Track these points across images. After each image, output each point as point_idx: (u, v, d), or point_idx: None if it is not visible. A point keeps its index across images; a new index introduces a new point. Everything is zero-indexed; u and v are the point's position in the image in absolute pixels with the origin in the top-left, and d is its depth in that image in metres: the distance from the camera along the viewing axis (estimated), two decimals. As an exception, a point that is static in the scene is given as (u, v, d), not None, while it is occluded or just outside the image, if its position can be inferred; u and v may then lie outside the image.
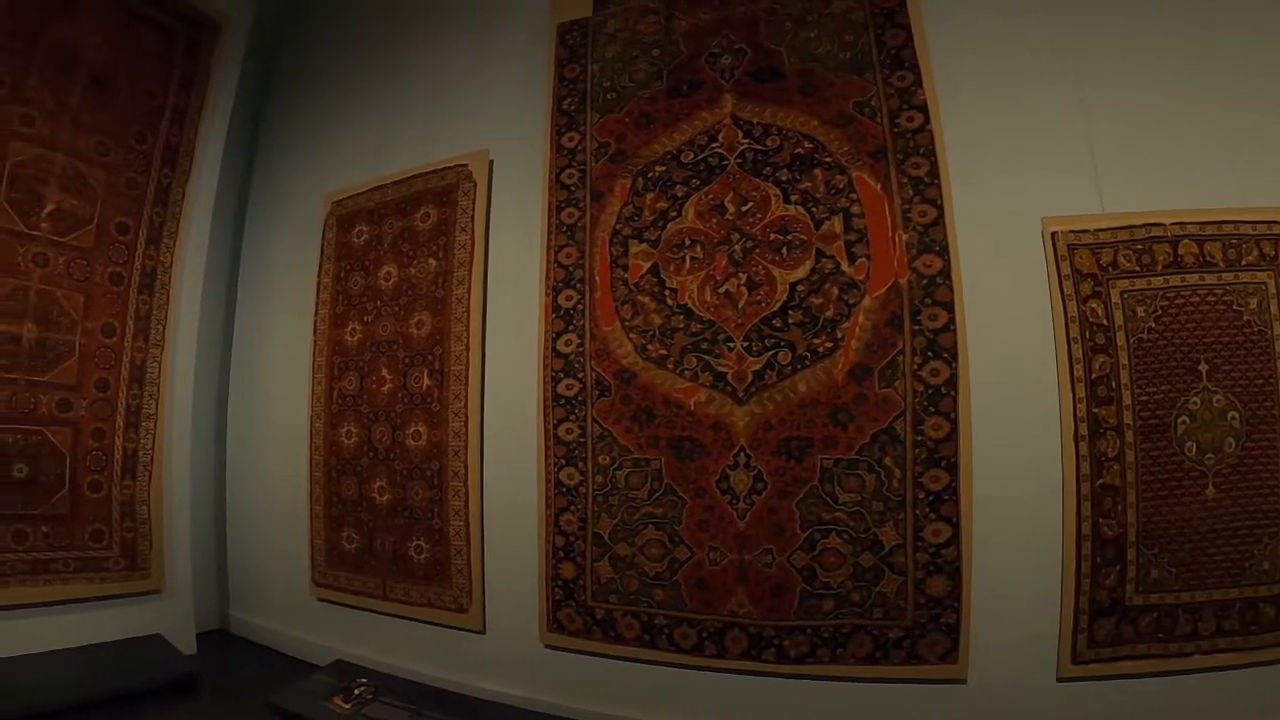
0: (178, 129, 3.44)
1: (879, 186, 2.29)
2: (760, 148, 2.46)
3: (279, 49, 4.23)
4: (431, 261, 3.11)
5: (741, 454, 2.39)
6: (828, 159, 2.37)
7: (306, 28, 4.14)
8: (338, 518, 3.25)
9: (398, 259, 3.22)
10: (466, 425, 2.92)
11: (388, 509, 3.09)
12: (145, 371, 3.30)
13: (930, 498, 2.16)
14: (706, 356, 2.47)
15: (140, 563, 3.17)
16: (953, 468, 2.14)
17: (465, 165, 3.10)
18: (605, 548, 2.56)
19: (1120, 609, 2.08)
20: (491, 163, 3.06)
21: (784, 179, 2.41)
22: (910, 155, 2.28)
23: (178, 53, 3.45)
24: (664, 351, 2.55)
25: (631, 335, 2.62)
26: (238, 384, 3.96)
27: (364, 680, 2.70)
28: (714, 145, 2.56)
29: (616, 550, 2.54)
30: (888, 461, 2.21)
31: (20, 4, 2.92)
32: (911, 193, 2.25)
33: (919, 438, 2.19)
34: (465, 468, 2.90)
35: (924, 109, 2.28)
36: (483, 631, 2.82)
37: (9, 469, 2.84)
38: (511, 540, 2.76)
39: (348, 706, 2.54)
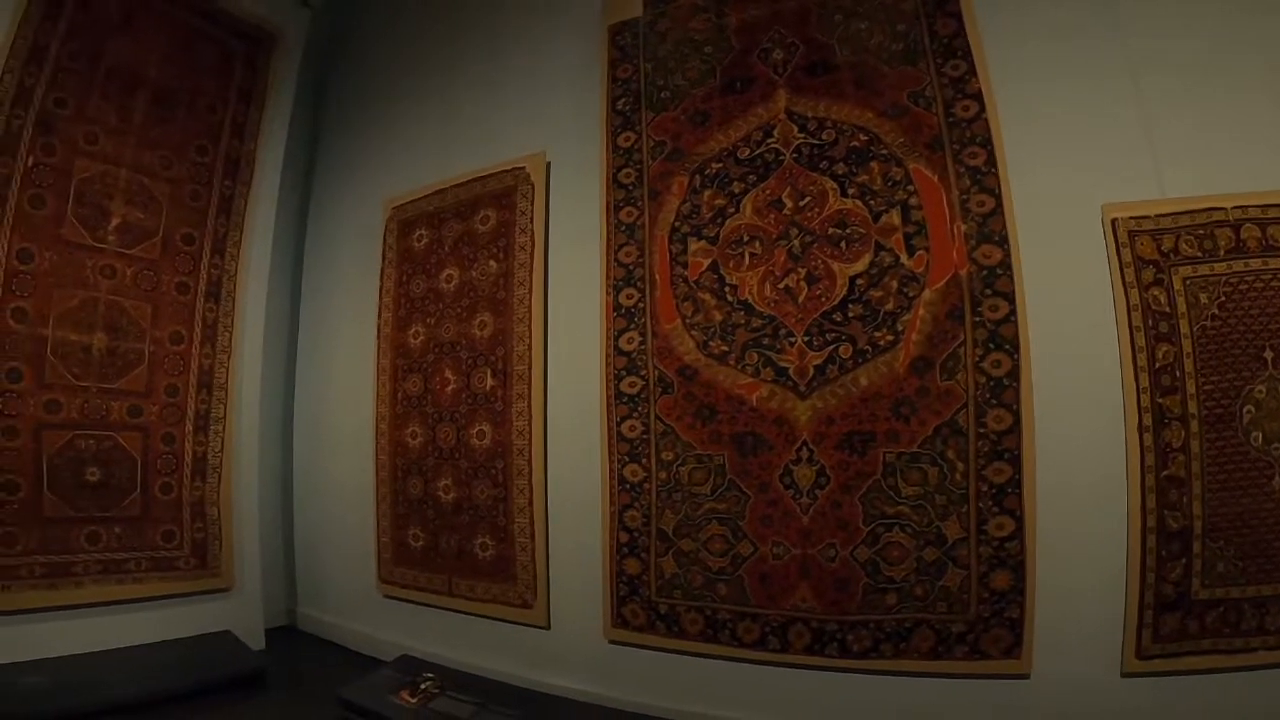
0: (238, 141, 3.72)
1: (936, 177, 2.37)
2: (816, 142, 2.56)
3: (335, 59, 4.55)
4: (492, 263, 3.32)
5: (804, 448, 2.51)
6: (884, 151, 2.45)
7: (360, 38, 4.44)
8: (403, 516, 3.49)
9: (459, 261, 3.44)
10: (530, 424, 3.11)
11: (453, 507, 3.31)
12: (213, 377, 3.58)
13: (993, 491, 2.24)
14: (768, 352, 2.59)
15: (210, 562, 3.45)
16: (1015, 460, 2.22)
17: (523, 168, 3.30)
18: (669, 543, 2.70)
19: (1186, 603, 2.11)
20: (549, 164, 3.25)
21: (840, 172, 2.51)
22: (966, 145, 2.35)
23: (236, 67, 3.73)
24: (725, 348, 2.68)
25: (693, 332, 2.76)
26: (303, 387, 4.28)
27: (430, 675, 2.88)
28: (769, 141, 2.66)
29: (680, 546, 2.68)
30: (950, 454, 2.29)
31: (81, 27, 3.19)
32: (969, 183, 2.33)
33: (981, 430, 2.27)
34: (529, 465, 3.09)
35: (979, 97, 2.36)
36: (547, 627, 3.00)
37: (82, 473, 3.12)
38: (575, 537, 2.93)
39: (414, 701, 2.72)
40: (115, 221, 3.26)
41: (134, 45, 3.34)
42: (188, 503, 3.42)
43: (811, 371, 2.52)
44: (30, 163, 3.00)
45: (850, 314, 2.48)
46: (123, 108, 3.29)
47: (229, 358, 3.62)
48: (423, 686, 2.79)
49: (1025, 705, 2.13)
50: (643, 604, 2.74)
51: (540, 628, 3.01)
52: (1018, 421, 2.22)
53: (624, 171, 3.00)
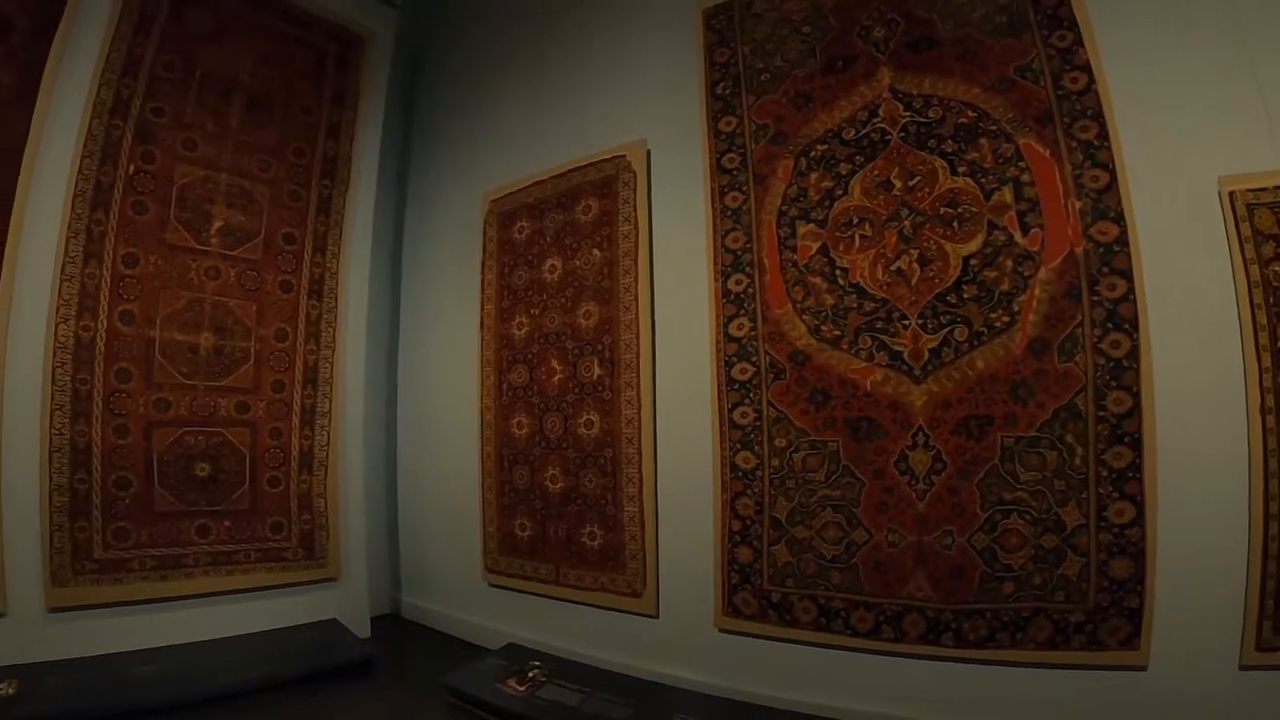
0: (334, 142, 4.23)
1: (1048, 152, 2.50)
2: (922, 120, 2.72)
3: (422, 57, 5.07)
4: (596, 252, 3.67)
5: (920, 433, 2.71)
6: (992, 127, 2.59)
7: (447, 35, 4.93)
8: (510, 506, 3.90)
9: (561, 252, 3.81)
10: (639, 412, 3.43)
11: (561, 497, 3.69)
12: (318, 372, 4.09)
13: (1113, 475, 2.32)
14: (881, 335, 2.80)
15: (318, 552, 3.95)
16: (1136, 444, 2.30)
17: (623, 156, 3.63)
18: (782, 531, 2.96)
19: (1310, 594, 2.09)
20: (649, 152, 3.57)
21: (949, 150, 2.66)
22: (1077, 118, 2.46)
23: (328, 69, 4.24)
24: (838, 332, 2.90)
25: (804, 317, 3.00)
26: (405, 380, 4.81)
27: (537, 663, 3.23)
28: (875, 120, 2.83)
29: (794, 533, 2.93)
30: (1069, 438, 2.40)
31: (173, 38, 3.67)
32: (1082, 157, 2.44)
33: (1101, 413, 2.41)
34: (639, 454, 3.41)
35: (1087, 69, 2.46)
36: (656, 616, 3.30)
37: (192, 468, 3.62)
38: (685, 525, 3.22)
39: (522, 689, 3.06)
40: (218, 224, 3.77)
41: (227, 53, 3.84)
42: (295, 495, 3.93)
43: (926, 355, 2.71)
44: (131, 170, 3.49)
45: (965, 295, 2.66)
46: (219, 114, 3.79)
47: (333, 353, 4.13)
48: (530, 674, 3.13)
49: (1141, 697, 2.23)
50: (754, 592, 3.01)
51: (649, 616, 3.32)
52: (1138, 404, 2.33)
53: (727, 156, 3.26)
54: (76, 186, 3.30)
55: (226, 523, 3.70)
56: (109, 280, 3.41)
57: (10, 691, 2.71)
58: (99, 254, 3.38)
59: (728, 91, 3.29)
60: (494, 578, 4.03)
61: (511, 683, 3.12)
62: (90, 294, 3.35)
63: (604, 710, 2.87)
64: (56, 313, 3.22)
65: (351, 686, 3.36)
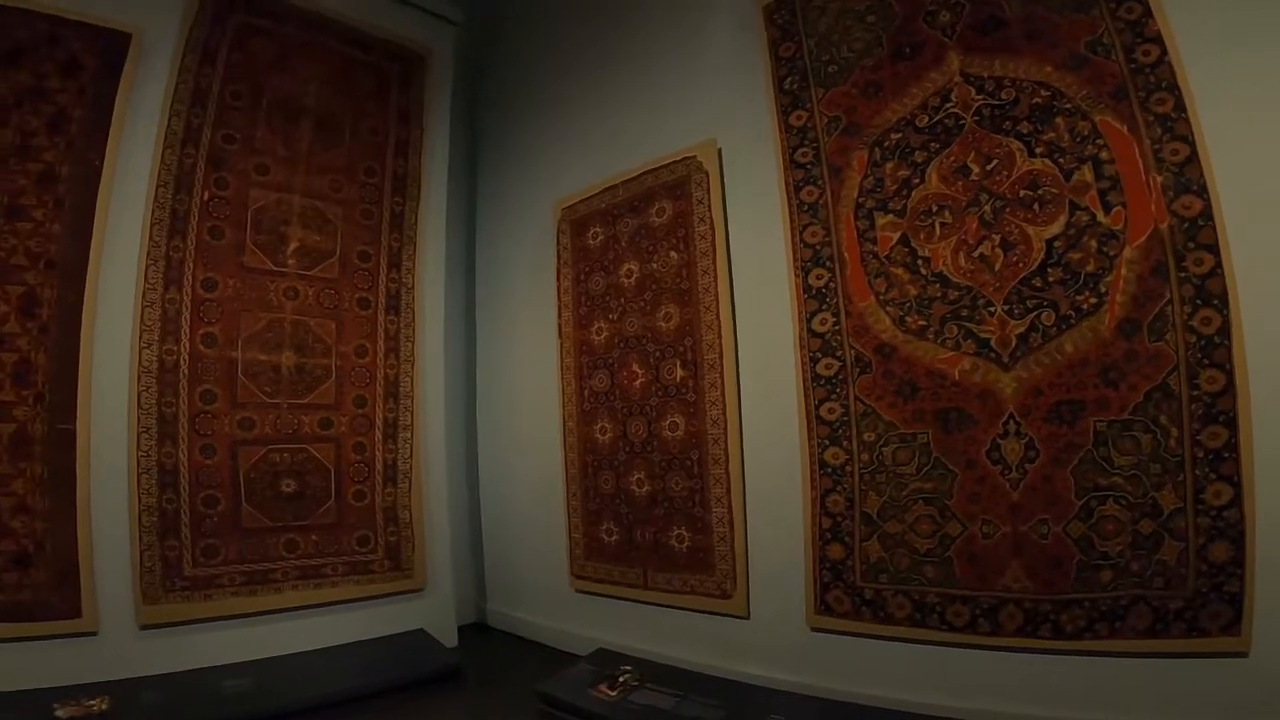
0: (402, 159, 4.54)
1: (1125, 128, 2.54)
2: (996, 102, 2.80)
3: (486, 71, 5.39)
4: (673, 254, 3.87)
5: (1011, 421, 2.80)
6: (1067, 105, 2.64)
7: (510, 47, 5.22)
8: (596, 511, 4.12)
9: (638, 255, 4.02)
10: (724, 413, 3.60)
11: (647, 500, 3.89)
12: (399, 386, 4.38)
13: (1210, 456, 2.34)
14: (967, 324, 2.89)
15: (404, 564, 4.23)
16: (1231, 423, 2.31)
17: (694, 156, 3.81)
18: (874, 526, 3.08)
19: None
20: (720, 150, 3.74)
21: (1025, 132, 2.73)
22: (1153, 91, 2.50)
23: (392, 89, 4.55)
24: (923, 322, 3.02)
25: (888, 308, 3.12)
26: (484, 390, 5.11)
27: (628, 668, 3.40)
28: (948, 105, 2.92)
29: (886, 528, 3.05)
30: (1163, 420, 2.43)
31: (238, 67, 3.98)
32: (1160, 131, 2.47)
33: (1194, 392, 2.42)
34: (725, 455, 3.58)
35: (1159, 40, 2.49)
36: (746, 617, 3.45)
37: (278, 485, 3.92)
38: (775, 524, 3.37)
39: (614, 694, 3.22)
40: (293, 245, 4.09)
41: (293, 79, 4.16)
42: (380, 508, 4.22)
43: (1014, 341, 2.79)
44: (206, 197, 3.81)
45: (1050, 278, 2.72)
46: (289, 138, 4.11)
47: (412, 366, 4.43)
48: (621, 679, 3.30)
49: (1242, 685, 2.25)
50: (847, 590, 3.14)
51: (740, 618, 3.48)
52: (1231, 381, 2.33)
53: (800, 151, 3.41)
54: (153, 215, 3.64)
55: (313, 537, 4.00)
56: (190, 304, 3.74)
57: (103, 707, 2.98)
58: (179, 279, 3.71)
59: (795, 86, 3.40)
60: (581, 584, 4.26)
61: (603, 688, 3.27)
62: (172, 318, 3.67)
63: (697, 713, 3.01)
64: (140, 338, 3.54)
65: (440, 696, 3.60)
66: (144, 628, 3.44)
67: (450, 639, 4.18)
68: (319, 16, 4.18)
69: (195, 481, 3.69)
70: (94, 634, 3.29)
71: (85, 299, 3.40)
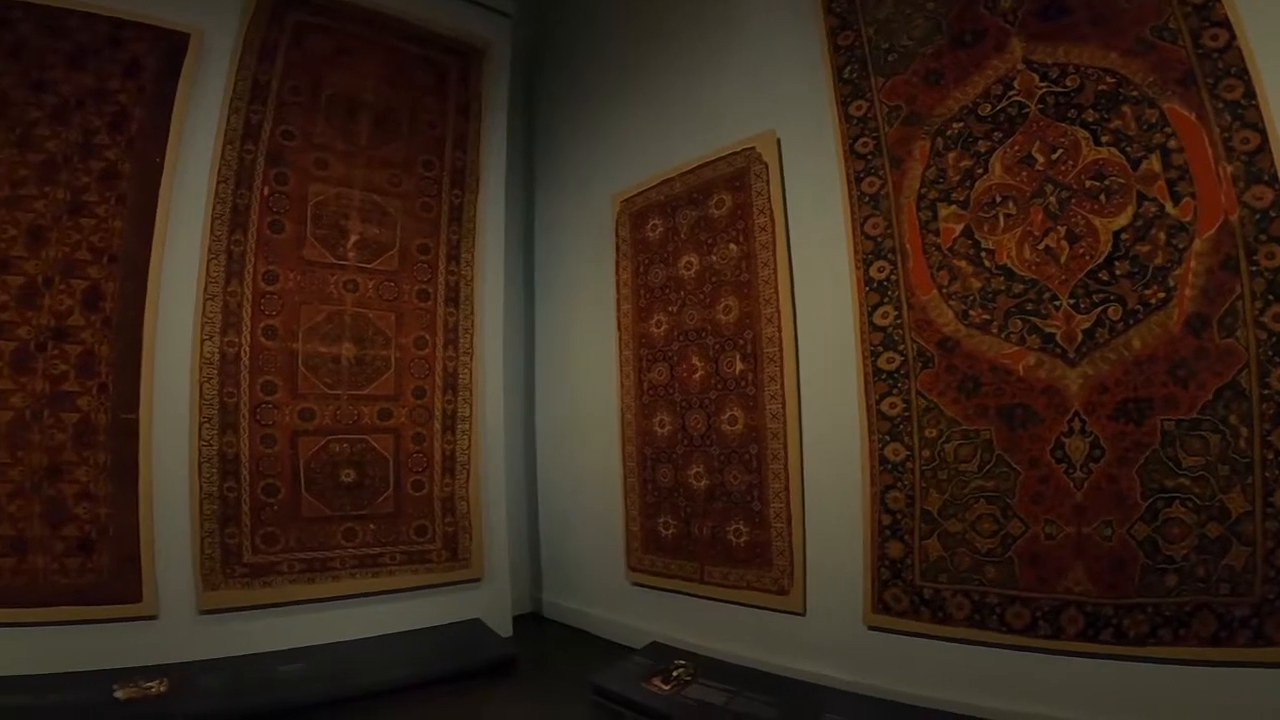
0: (460, 153, 4.68)
1: (1193, 116, 2.48)
2: (1060, 89, 2.76)
3: (543, 63, 5.52)
4: (732, 247, 3.93)
5: (1076, 419, 2.79)
6: (1133, 92, 2.60)
7: (562, 41, 5.36)
8: (653, 504, 4.21)
9: (697, 248, 4.09)
10: (784, 406, 3.65)
11: (705, 494, 3.96)
12: (457, 378, 4.53)
13: None
14: (1032, 318, 2.89)
15: (461, 554, 4.37)
16: None
17: (753, 148, 3.86)
18: (934, 525, 3.09)
19: None
20: (779, 141, 3.78)
21: (1091, 120, 2.69)
22: (1221, 78, 2.45)
23: (450, 83, 4.70)
24: (987, 316, 3.01)
25: (951, 302, 3.13)
26: (543, 383, 5.25)
27: (682, 662, 3.47)
28: (1011, 93, 2.89)
29: (946, 527, 3.06)
30: (1233, 420, 2.37)
31: (297, 64, 4.15)
32: (1230, 118, 2.42)
33: (1265, 391, 2.40)
34: (785, 449, 3.63)
35: (1226, 24, 2.44)
36: (803, 613, 3.50)
37: (338, 475, 4.08)
38: (834, 521, 3.41)
39: (667, 688, 3.29)
40: (353, 239, 4.26)
41: (350, 74, 4.34)
42: (438, 498, 4.37)
43: (1080, 336, 2.79)
44: (266, 192, 3.99)
45: (1117, 271, 2.71)
46: (348, 132, 4.28)
47: (471, 359, 4.58)
48: (675, 673, 3.37)
49: None
50: (906, 588, 3.16)
51: (796, 614, 3.53)
52: None
53: (860, 141, 3.42)
54: (214, 210, 3.83)
55: (372, 526, 4.17)
56: (251, 297, 3.93)
57: (161, 689, 3.15)
58: (240, 273, 3.90)
59: (855, 75, 3.43)
60: (637, 576, 4.35)
61: (657, 681, 3.36)
62: (233, 311, 3.85)
63: (751, 709, 3.06)
64: (201, 330, 3.74)
65: (495, 685, 3.72)
66: (203, 613, 3.63)
67: (505, 629, 4.29)
68: (375, 13, 4.32)
69: (256, 470, 3.86)
70: (154, 618, 3.49)
71: (148, 292, 3.60)
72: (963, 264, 3.09)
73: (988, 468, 2.98)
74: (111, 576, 3.43)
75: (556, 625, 4.80)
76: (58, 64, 3.55)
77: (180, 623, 3.57)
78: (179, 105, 3.76)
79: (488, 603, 4.31)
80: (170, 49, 3.80)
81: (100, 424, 3.51)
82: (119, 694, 3.07)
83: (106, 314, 3.55)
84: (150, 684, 3.16)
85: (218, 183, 3.76)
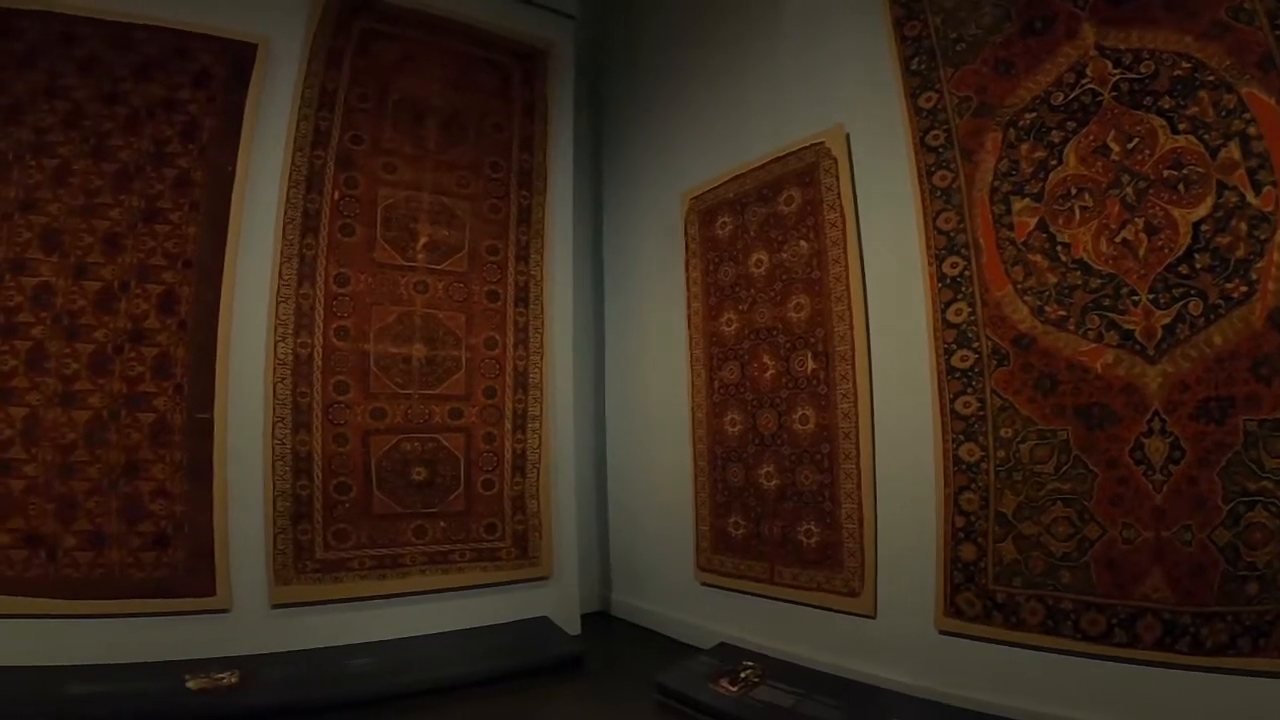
0: (527, 154, 4.79)
1: (1274, 100, 2.40)
2: (1134, 76, 2.70)
3: (607, 62, 5.65)
4: (803, 244, 3.94)
5: (1156, 419, 2.73)
6: (1210, 77, 2.53)
7: (629, 37, 5.46)
8: (724, 504, 4.24)
9: (767, 245, 4.11)
10: (856, 405, 3.65)
11: (776, 494, 3.98)
12: (528, 377, 4.64)
13: None
14: (1110, 313, 2.84)
15: (530, 551, 4.48)
16: None
17: (822, 143, 3.86)
18: (1009, 527, 3.06)
19: None
20: (848, 135, 3.77)
21: (1167, 107, 2.62)
22: None
23: (515, 85, 4.83)
24: (1063, 312, 2.97)
25: (1026, 298, 3.08)
26: (613, 382, 5.36)
27: (750, 663, 3.49)
28: (1084, 81, 2.84)
29: (1021, 529, 3.02)
30: None
31: (363, 71, 4.33)
32: None
33: None
34: (856, 449, 3.62)
35: None
36: (873, 616, 3.49)
37: (409, 473, 4.22)
38: (906, 522, 3.39)
39: (734, 689, 3.31)
40: (423, 241, 4.41)
41: (416, 79, 4.49)
42: (508, 497, 4.48)
43: (1160, 332, 2.73)
44: (336, 196, 4.16)
45: (1197, 265, 2.65)
46: (415, 136, 4.43)
47: (541, 358, 4.68)
48: (743, 675, 3.39)
49: None
50: (978, 592, 3.12)
51: (866, 617, 3.52)
52: None
53: (931, 134, 3.40)
54: (286, 215, 4.00)
55: (442, 524, 4.30)
56: (323, 299, 4.09)
57: (232, 680, 3.29)
58: (312, 276, 4.06)
59: (923, 66, 3.42)
60: (706, 576, 4.40)
61: (724, 683, 3.38)
62: (306, 313, 4.02)
63: (818, 713, 3.07)
64: (275, 332, 3.91)
65: (562, 683, 3.81)
66: (275, 607, 3.79)
67: (573, 627, 4.38)
68: (439, 18, 4.50)
69: (328, 469, 4.02)
70: (226, 611, 3.66)
71: (222, 295, 3.78)
72: (1038, 258, 3.05)
73: (1064, 469, 2.93)
74: (186, 571, 3.61)
75: (624, 624, 4.92)
76: (127, 76, 3.77)
77: (252, 616, 3.73)
78: (248, 113, 3.95)
79: (556, 601, 4.41)
80: (237, 58, 3.99)
81: (176, 423, 3.69)
82: (191, 684, 3.22)
83: (182, 317, 3.74)
84: (222, 675, 3.30)
85: (289, 188, 3.93)
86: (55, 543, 3.40)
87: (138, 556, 3.53)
